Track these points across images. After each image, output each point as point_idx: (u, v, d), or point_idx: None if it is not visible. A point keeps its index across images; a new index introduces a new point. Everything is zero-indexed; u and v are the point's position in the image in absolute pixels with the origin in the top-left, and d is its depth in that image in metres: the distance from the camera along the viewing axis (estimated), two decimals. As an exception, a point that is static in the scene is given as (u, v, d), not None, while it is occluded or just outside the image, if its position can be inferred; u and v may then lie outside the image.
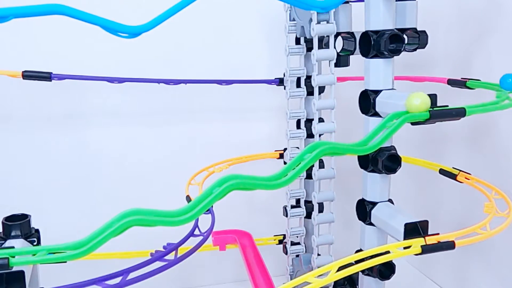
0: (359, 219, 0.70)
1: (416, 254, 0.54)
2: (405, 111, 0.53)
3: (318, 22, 0.71)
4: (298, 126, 0.86)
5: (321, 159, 0.81)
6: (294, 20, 0.81)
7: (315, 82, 0.73)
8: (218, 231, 0.76)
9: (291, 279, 0.90)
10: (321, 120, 0.77)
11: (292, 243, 0.88)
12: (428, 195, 1.03)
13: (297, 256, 0.89)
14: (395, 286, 0.72)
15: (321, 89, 0.78)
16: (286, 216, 0.87)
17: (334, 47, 0.71)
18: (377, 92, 0.64)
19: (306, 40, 0.82)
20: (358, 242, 0.71)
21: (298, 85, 0.84)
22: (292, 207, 0.87)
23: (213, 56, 0.98)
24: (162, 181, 0.99)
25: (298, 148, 0.87)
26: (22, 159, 0.93)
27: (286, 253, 0.90)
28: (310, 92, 0.82)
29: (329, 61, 0.73)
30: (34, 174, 0.94)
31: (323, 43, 0.74)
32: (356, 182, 0.72)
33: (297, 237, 0.89)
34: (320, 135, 0.76)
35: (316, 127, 0.74)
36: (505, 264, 0.82)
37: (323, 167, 0.81)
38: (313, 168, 0.78)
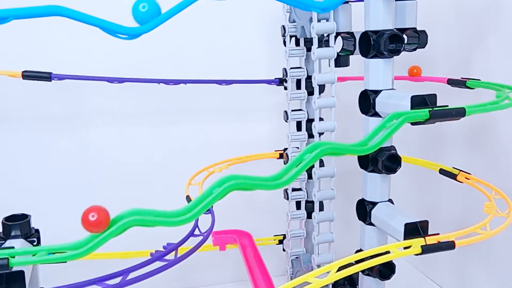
0: (359, 219, 0.70)
1: (416, 254, 0.54)
2: (405, 111, 0.53)
3: (318, 21, 0.71)
4: (299, 128, 0.86)
5: (321, 159, 0.81)
6: (294, 21, 0.81)
7: (316, 81, 0.73)
8: (218, 231, 0.76)
9: (291, 279, 0.90)
10: (321, 120, 0.77)
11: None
12: (428, 195, 1.03)
13: (297, 257, 0.89)
14: (395, 286, 0.72)
15: (322, 89, 0.78)
16: (287, 199, 0.86)
17: (334, 46, 0.71)
18: (377, 92, 0.64)
19: (306, 40, 0.82)
20: (358, 242, 0.71)
21: (299, 87, 0.84)
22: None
23: (213, 56, 0.98)
24: (162, 181, 0.99)
25: (298, 148, 0.87)
26: (22, 159, 0.93)
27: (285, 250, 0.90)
28: (310, 92, 0.82)
29: (329, 59, 0.72)
30: (34, 174, 0.94)
31: (322, 42, 0.74)
32: (356, 182, 0.72)
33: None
34: (320, 135, 0.76)
35: (316, 125, 0.74)
36: (505, 264, 0.82)
37: (323, 166, 0.81)
38: (313, 167, 0.78)
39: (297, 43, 0.84)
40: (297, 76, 0.83)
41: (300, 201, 0.88)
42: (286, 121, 0.84)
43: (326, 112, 0.76)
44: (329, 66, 0.73)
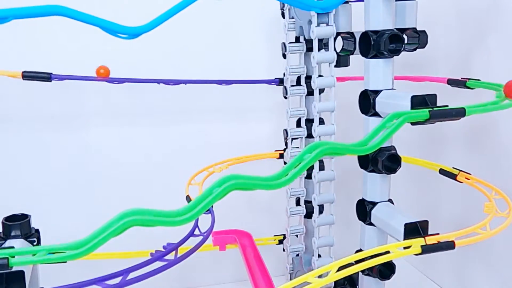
0: (359, 219, 0.70)
1: (416, 254, 0.54)
2: (405, 111, 0.53)
3: (318, 25, 0.71)
4: (299, 126, 0.86)
5: (321, 161, 0.81)
6: (293, 18, 0.80)
7: (315, 85, 0.73)
8: (218, 231, 0.76)
9: (291, 278, 0.90)
10: (321, 121, 0.77)
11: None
12: (428, 195, 1.03)
13: (297, 255, 0.89)
14: (395, 286, 0.72)
15: (321, 90, 0.78)
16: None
17: (334, 49, 0.71)
18: (377, 92, 0.64)
19: (305, 39, 0.82)
20: (358, 242, 0.71)
21: (298, 84, 0.84)
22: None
23: (213, 56, 0.98)
24: (162, 181, 0.99)
25: (298, 148, 0.87)
26: (22, 159, 0.93)
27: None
28: (310, 92, 0.82)
29: (329, 63, 0.73)
30: (34, 174, 0.94)
31: (322, 42, 0.74)
32: (356, 182, 0.72)
33: (297, 236, 0.89)
34: (320, 136, 0.76)
35: (316, 129, 0.74)
36: (505, 264, 0.82)
37: (323, 169, 0.81)
38: (313, 170, 0.78)
39: (297, 40, 0.84)
40: (297, 73, 0.83)
41: (299, 198, 0.88)
42: (285, 98, 0.84)
43: (326, 115, 0.76)
44: (329, 68, 0.73)
